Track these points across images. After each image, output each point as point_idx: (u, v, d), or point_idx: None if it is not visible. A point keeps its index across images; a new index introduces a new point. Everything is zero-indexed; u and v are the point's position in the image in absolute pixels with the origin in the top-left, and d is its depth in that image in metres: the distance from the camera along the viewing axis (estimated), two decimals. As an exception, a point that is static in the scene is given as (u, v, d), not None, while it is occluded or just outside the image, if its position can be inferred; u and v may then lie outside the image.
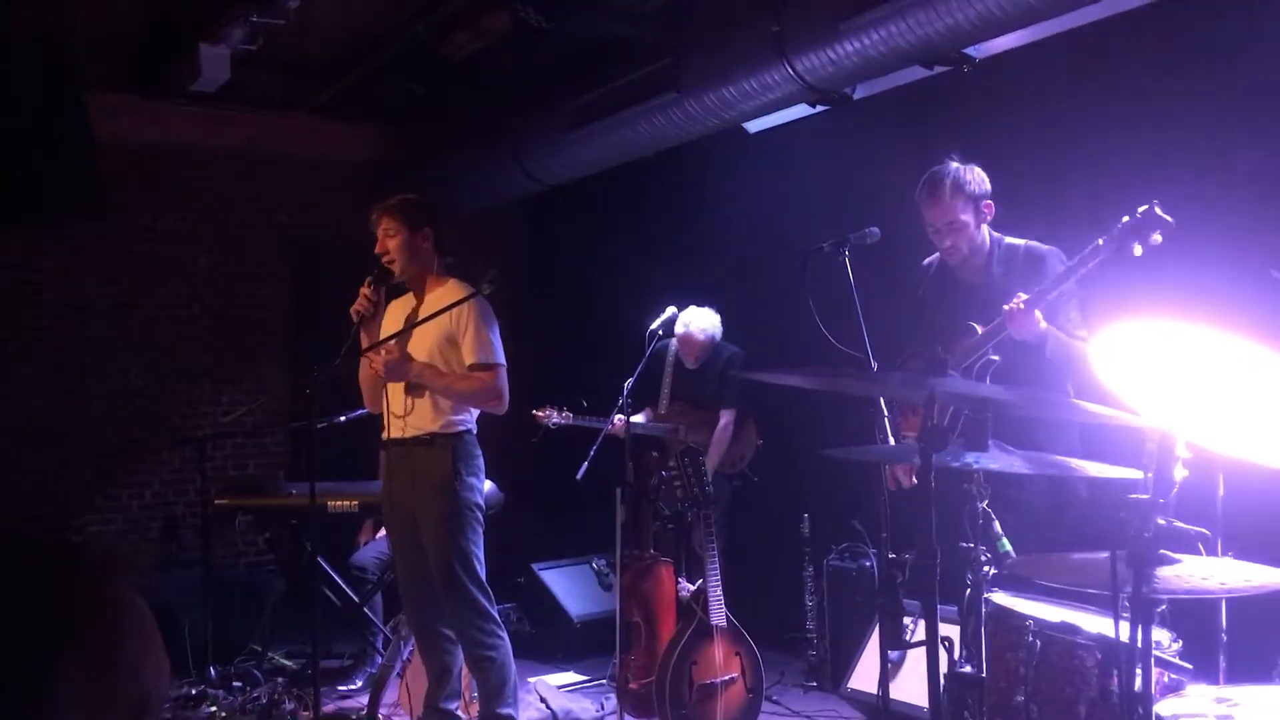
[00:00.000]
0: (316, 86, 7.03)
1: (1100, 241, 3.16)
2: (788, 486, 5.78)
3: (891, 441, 3.26)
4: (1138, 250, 3.08)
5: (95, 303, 6.94)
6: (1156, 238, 3.05)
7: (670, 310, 5.41)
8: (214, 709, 4.82)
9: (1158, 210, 3.04)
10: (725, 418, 5.57)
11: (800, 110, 5.48)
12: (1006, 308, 3.34)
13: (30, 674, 0.90)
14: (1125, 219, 3.08)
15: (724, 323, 5.74)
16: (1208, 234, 3.89)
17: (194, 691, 5.08)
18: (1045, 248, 3.60)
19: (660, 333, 5.32)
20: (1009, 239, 3.67)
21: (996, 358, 3.33)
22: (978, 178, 3.61)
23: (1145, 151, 4.31)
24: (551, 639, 6.13)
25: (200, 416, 7.16)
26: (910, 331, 3.76)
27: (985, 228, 3.64)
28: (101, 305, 6.96)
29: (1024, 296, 3.30)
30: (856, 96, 5.25)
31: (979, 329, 3.47)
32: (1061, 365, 3.40)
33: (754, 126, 5.83)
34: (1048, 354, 3.37)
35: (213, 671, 5.31)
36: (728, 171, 6.03)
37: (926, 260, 3.86)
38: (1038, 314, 3.31)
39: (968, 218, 3.56)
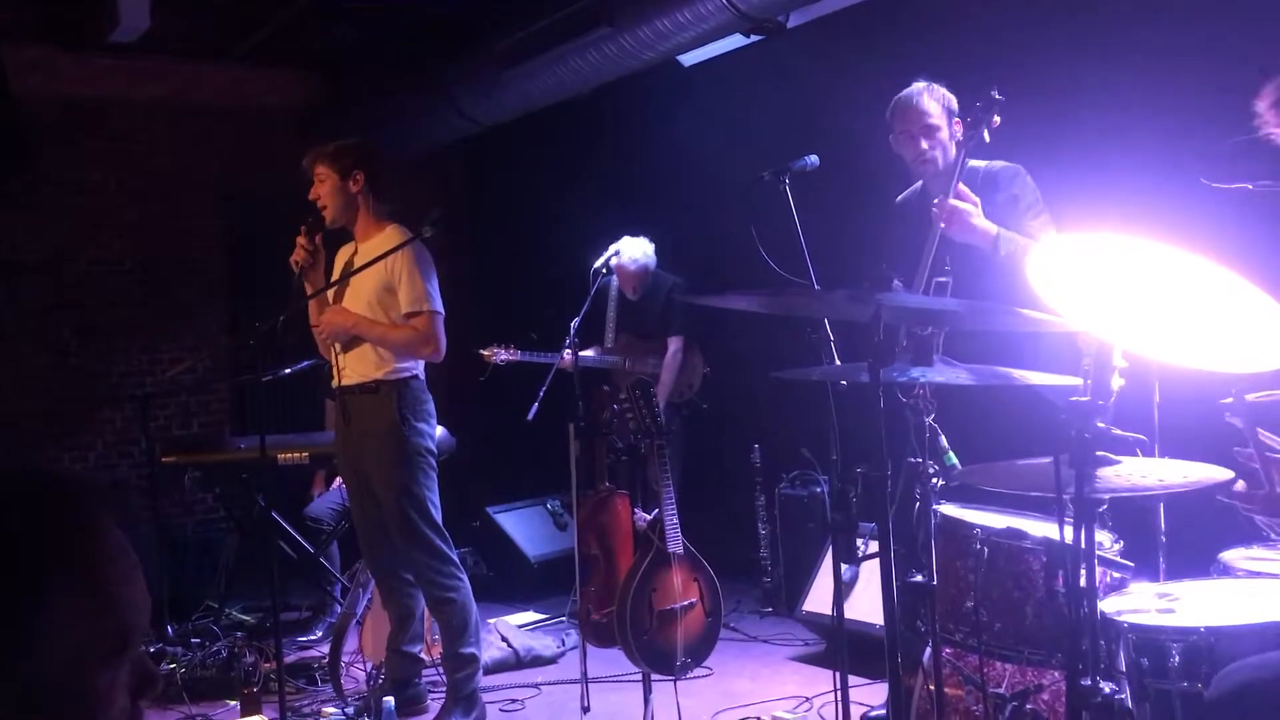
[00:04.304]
0: (240, 33, 6.85)
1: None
2: (738, 417, 5.85)
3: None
4: (986, 136, 3.30)
5: (25, 261, 6.77)
6: (996, 119, 3.27)
7: (613, 248, 5.43)
8: (173, 666, 4.79)
9: (994, 94, 3.25)
10: (674, 344, 5.61)
11: (735, 41, 5.47)
12: (934, 208, 3.33)
13: (14, 601, 0.90)
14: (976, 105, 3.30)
15: (669, 257, 5.75)
16: (1140, 144, 3.95)
17: (152, 650, 5.05)
18: (1000, 167, 3.54)
19: (605, 270, 5.34)
20: (972, 162, 3.59)
21: (945, 279, 3.33)
22: (948, 95, 3.59)
23: (1086, 66, 4.33)
24: (509, 580, 6.18)
25: (139, 374, 7.03)
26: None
27: (954, 146, 3.58)
28: (31, 263, 6.79)
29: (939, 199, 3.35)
30: (790, 25, 5.24)
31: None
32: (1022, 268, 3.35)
33: (689, 60, 5.80)
34: (1001, 255, 3.34)
35: (170, 630, 5.29)
36: (666, 106, 6.00)
37: (900, 197, 3.76)
38: (982, 220, 3.32)
39: (942, 123, 3.55)
